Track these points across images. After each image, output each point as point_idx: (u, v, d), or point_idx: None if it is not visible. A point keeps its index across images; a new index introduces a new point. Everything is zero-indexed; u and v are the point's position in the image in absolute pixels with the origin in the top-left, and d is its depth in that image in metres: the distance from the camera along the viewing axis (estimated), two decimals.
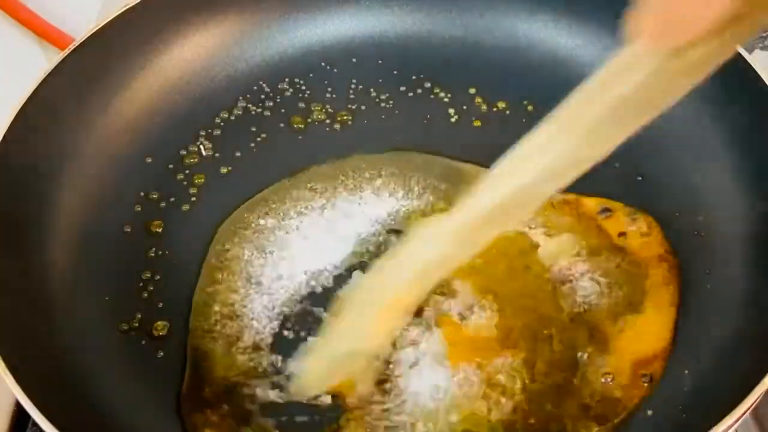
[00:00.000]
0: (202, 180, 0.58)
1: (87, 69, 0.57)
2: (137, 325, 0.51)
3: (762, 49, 0.67)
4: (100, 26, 0.58)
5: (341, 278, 0.52)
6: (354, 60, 0.64)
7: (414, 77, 0.63)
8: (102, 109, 0.58)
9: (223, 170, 0.58)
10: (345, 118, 0.61)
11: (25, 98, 0.53)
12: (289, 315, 0.51)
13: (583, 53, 0.61)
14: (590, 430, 0.46)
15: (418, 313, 0.49)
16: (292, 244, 0.54)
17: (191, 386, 0.48)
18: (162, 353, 0.50)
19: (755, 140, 0.53)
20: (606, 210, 0.54)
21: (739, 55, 0.53)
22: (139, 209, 0.56)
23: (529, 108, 0.60)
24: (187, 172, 0.58)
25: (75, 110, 0.57)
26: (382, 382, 0.47)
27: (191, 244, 0.54)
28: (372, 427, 0.46)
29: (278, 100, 0.62)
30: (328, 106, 0.62)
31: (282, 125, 0.61)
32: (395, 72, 0.63)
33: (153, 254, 0.54)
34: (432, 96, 0.62)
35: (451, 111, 0.61)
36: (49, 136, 0.55)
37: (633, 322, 0.49)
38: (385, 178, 0.57)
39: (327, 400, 0.47)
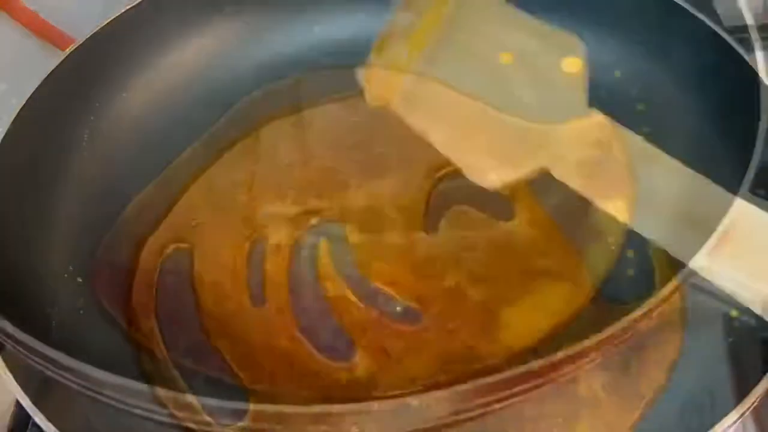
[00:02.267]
0: None
1: (88, 70, 0.58)
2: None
3: (762, 49, 0.67)
4: (101, 27, 0.58)
5: None
6: (355, 61, 0.64)
7: None
8: (103, 109, 0.58)
9: None
10: None
11: (26, 99, 0.53)
12: None
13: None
14: None
15: None
16: None
17: None
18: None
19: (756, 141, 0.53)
20: None
21: (738, 56, 0.53)
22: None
23: None
24: None
25: (76, 111, 0.57)
26: None
27: None
28: None
29: None
30: None
31: None
32: None
33: None
34: None
35: None
36: (50, 136, 0.55)
37: None
38: None
39: None
